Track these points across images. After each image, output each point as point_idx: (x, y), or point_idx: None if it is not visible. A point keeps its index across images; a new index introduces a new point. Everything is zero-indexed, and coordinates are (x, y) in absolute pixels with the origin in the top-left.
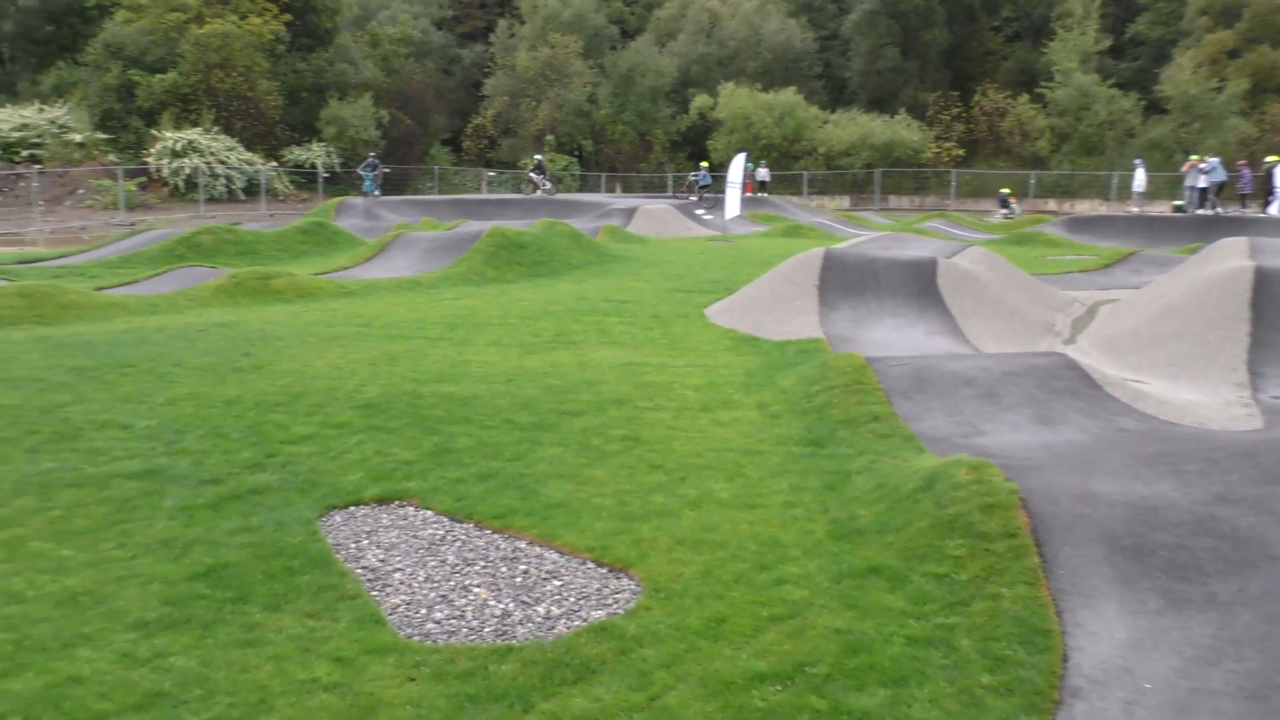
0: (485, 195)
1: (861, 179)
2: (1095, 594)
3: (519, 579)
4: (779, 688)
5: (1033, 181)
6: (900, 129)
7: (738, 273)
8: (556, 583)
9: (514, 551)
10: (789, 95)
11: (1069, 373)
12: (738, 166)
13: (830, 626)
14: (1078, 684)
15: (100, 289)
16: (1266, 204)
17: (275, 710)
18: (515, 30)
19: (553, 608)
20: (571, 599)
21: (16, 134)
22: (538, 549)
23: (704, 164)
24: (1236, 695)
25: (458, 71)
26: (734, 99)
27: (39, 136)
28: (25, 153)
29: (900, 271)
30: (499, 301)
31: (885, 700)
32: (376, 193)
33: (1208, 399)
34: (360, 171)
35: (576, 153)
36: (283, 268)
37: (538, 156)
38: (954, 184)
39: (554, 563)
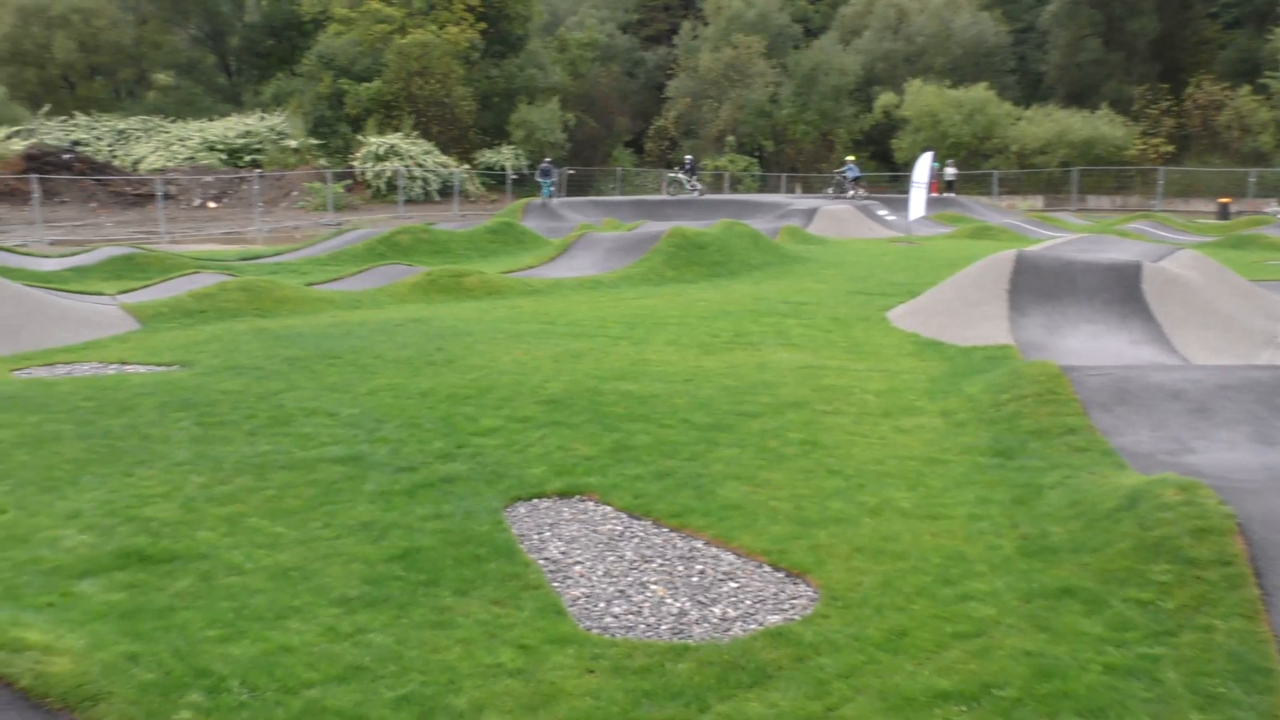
0: (666, 196)
1: (1057, 178)
2: None
3: (695, 578)
4: (963, 708)
5: (1253, 180)
6: (1101, 124)
7: (922, 275)
8: (733, 584)
9: (690, 551)
10: (980, 91)
11: None
12: (923, 166)
13: (1019, 648)
14: None
15: (310, 284)
16: None
17: (463, 691)
18: (698, 32)
19: (729, 609)
20: (748, 602)
21: (241, 140)
22: (714, 549)
23: (850, 157)
24: None
25: (641, 74)
26: (921, 96)
27: (260, 143)
28: (248, 158)
29: (1100, 275)
30: (678, 301)
31: None
32: (552, 198)
33: None
34: (537, 179)
35: (757, 153)
36: (473, 266)
37: (687, 156)
38: (1161, 183)
39: (730, 564)
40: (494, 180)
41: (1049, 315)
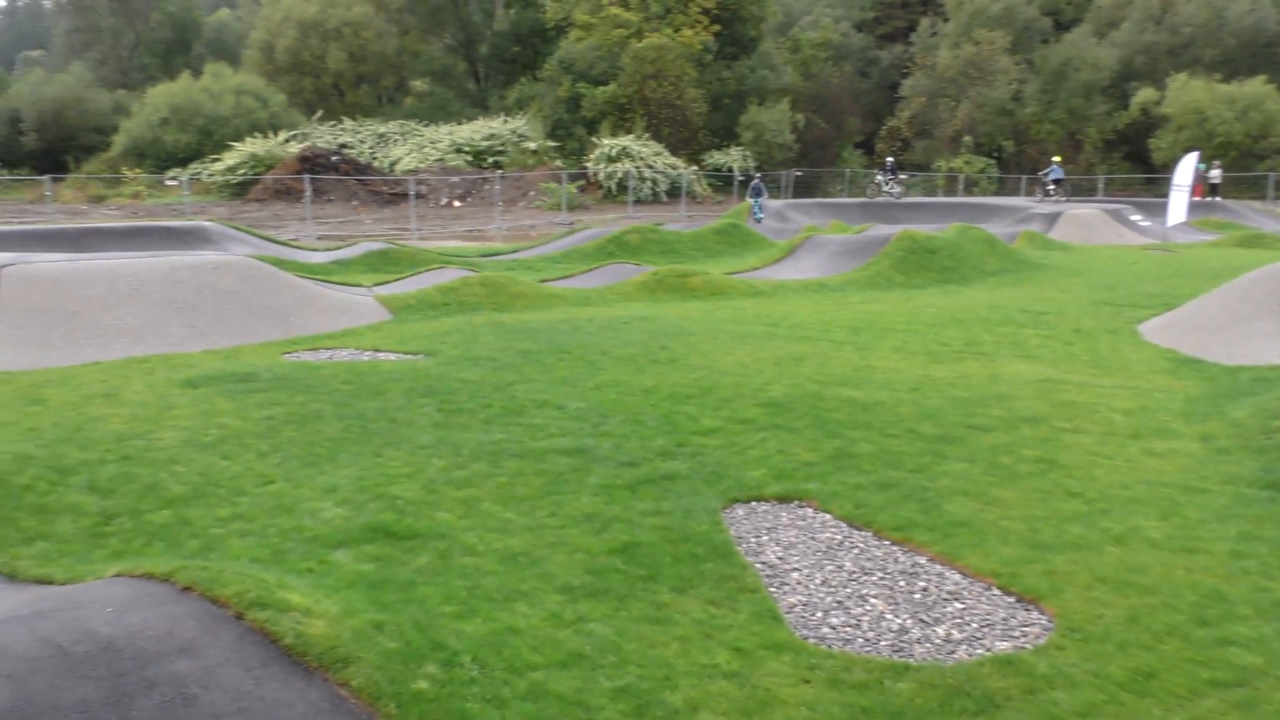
0: (895, 199)
1: None
2: None
3: (918, 595)
4: None
5: None
6: None
7: (1179, 286)
8: (958, 605)
9: (913, 566)
10: (1257, 86)
11: None
12: (1186, 167)
13: None
14: None
15: (544, 281)
16: None
17: (679, 689)
18: (937, 28)
19: (953, 631)
20: (974, 625)
21: (485, 143)
22: (939, 567)
23: (1056, 159)
24: None
25: (874, 73)
26: (1186, 92)
27: (502, 145)
28: (491, 159)
29: None
30: (905, 307)
31: None
32: (761, 221)
33: None
34: (748, 198)
35: (995, 154)
36: (699, 266)
37: (888, 158)
38: None
39: (956, 583)
40: (721, 181)
41: None
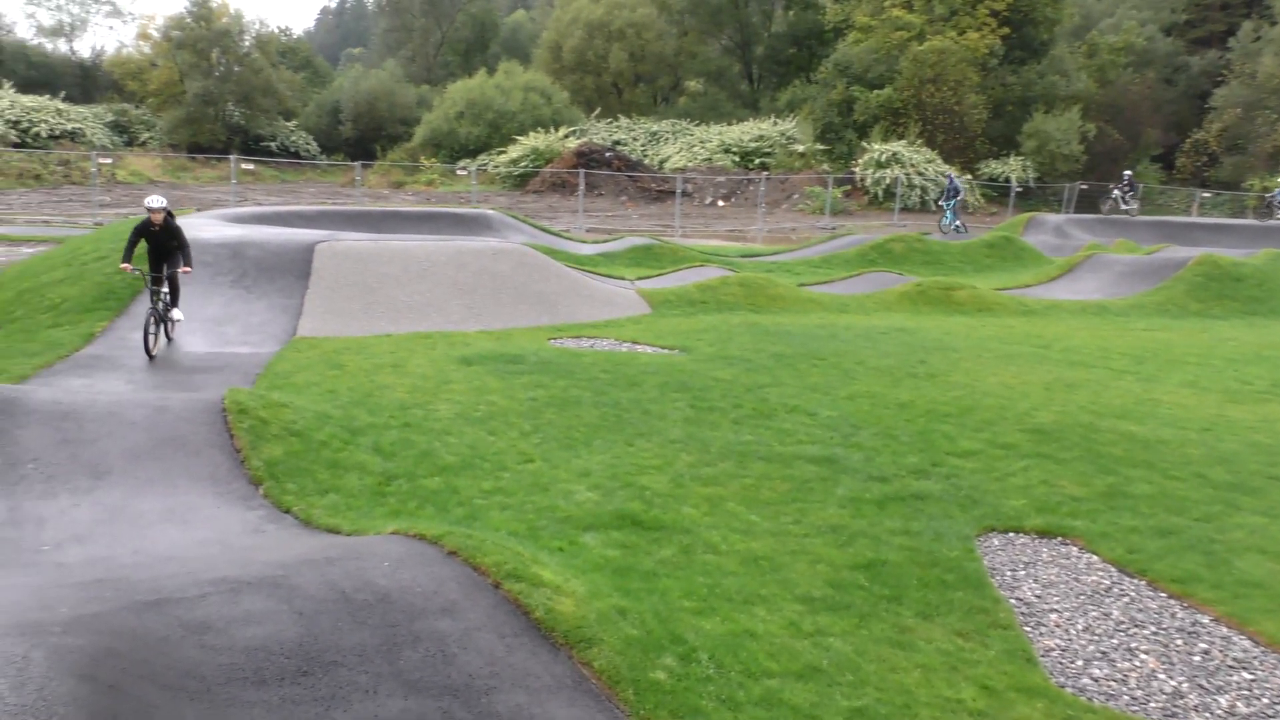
0: (1194, 219)
1: None
2: None
3: (1197, 658)
4: None
5: None
6: None
7: None
8: (1246, 675)
9: (1193, 625)
10: None
11: None
12: None
13: None
14: None
15: (802, 285)
16: None
17: (918, 718)
18: (1261, 32)
19: (1238, 703)
20: (1264, 699)
21: (753, 144)
22: (1224, 630)
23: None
24: None
25: (1181, 81)
26: None
27: (770, 147)
28: (757, 161)
29: None
30: (1200, 339)
31: None
32: (957, 224)
33: None
34: (941, 203)
35: None
36: (965, 280)
37: (1126, 172)
38: None
39: (1244, 650)
40: (996, 192)
41: None
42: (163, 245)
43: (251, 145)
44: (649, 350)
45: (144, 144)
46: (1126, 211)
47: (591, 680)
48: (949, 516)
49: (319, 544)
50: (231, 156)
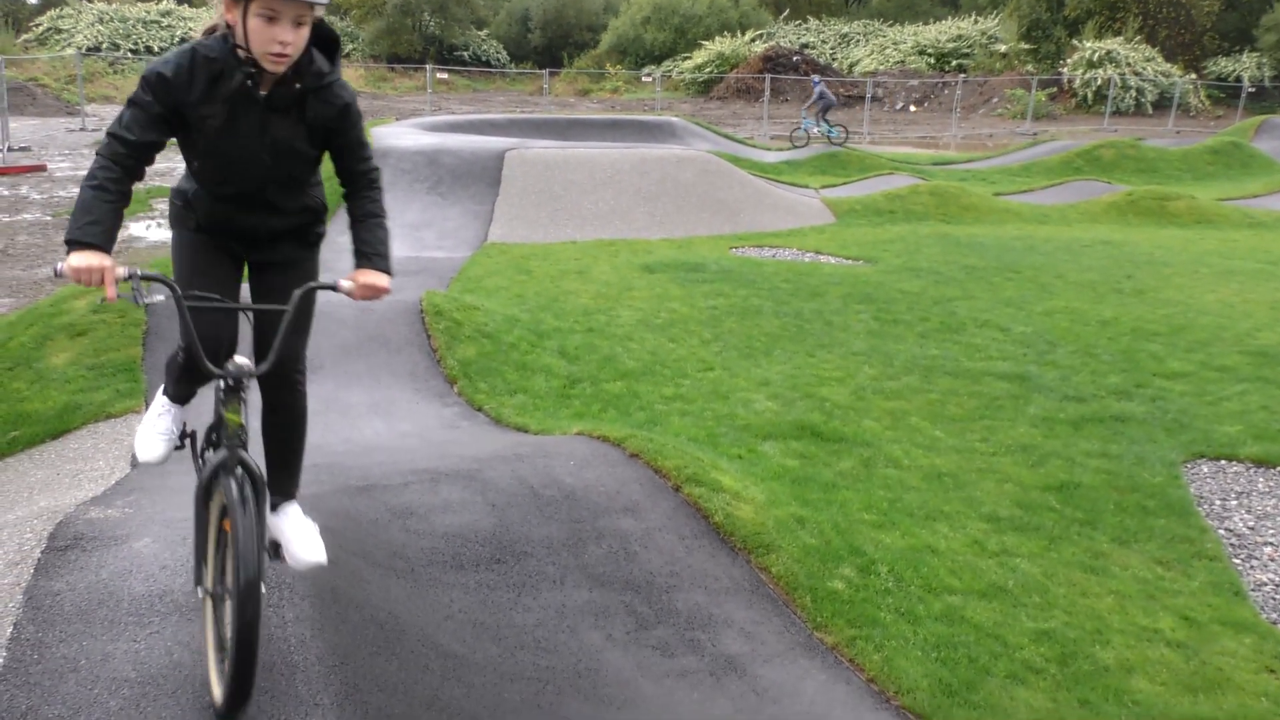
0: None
1: None
2: None
3: None
4: None
5: None
6: None
7: None
8: None
9: None
10: None
11: None
12: None
13: None
14: None
15: (998, 194)
16: None
17: (1112, 646)
18: None
19: None
20: None
21: (951, 44)
22: None
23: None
24: None
25: None
26: None
27: (969, 47)
28: (955, 62)
29: None
30: None
31: None
32: (830, 131)
33: None
34: (804, 112)
35: None
36: (1183, 189)
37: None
38: None
39: None
40: (1225, 94)
41: None
42: None
43: (446, 55)
44: (833, 260)
45: (348, 55)
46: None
47: (769, 585)
48: (1153, 441)
49: (509, 441)
50: (427, 66)
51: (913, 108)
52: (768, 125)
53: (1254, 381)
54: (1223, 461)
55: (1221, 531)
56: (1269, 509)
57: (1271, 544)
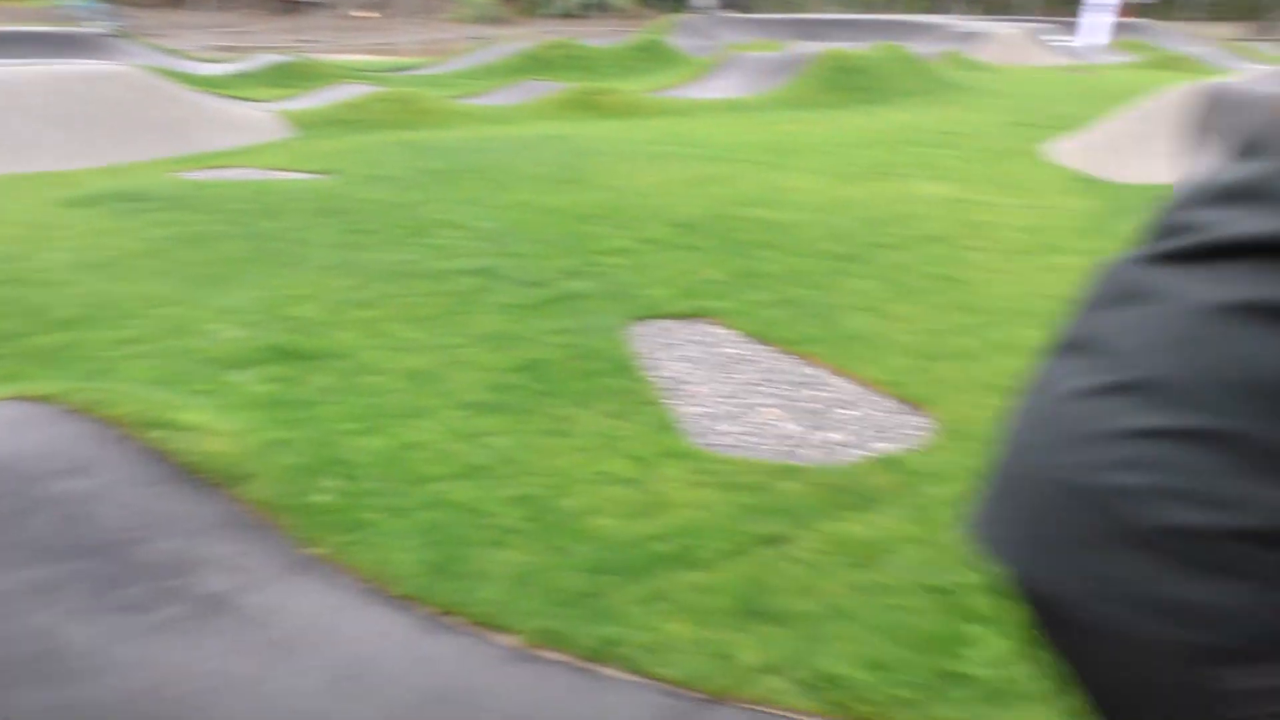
0: (827, 15)
1: (1267, 3)
2: None
3: (810, 404)
4: None
5: None
6: None
7: (1090, 107)
8: (847, 412)
9: (808, 377)
10: None
11: None
12: None
13: None
14: None
15: (455, 98)
16: None
17: (574, 495)
18: None
19: (840, 434)
20: (860, 429)
21: None
22: (832, 377)
23: None
24: None
25: None
26: None
27: None
28: None
29: None
30: (825, 128)
31: None
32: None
33: None
34: None
35: None
36: (618, 84)
37: None
38: None
39: (847, 392)
40: None
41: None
42: None
43: None
44: (294, 176)
45: None
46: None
47: (251, 514)
48: (601, 312)
49: None
50: None
51: (363, 13)
52: (203, 35)
53: (678, 249)
54: (658, 320)
55: (657, 378)
56: (694, 355)
57: (692, 382)
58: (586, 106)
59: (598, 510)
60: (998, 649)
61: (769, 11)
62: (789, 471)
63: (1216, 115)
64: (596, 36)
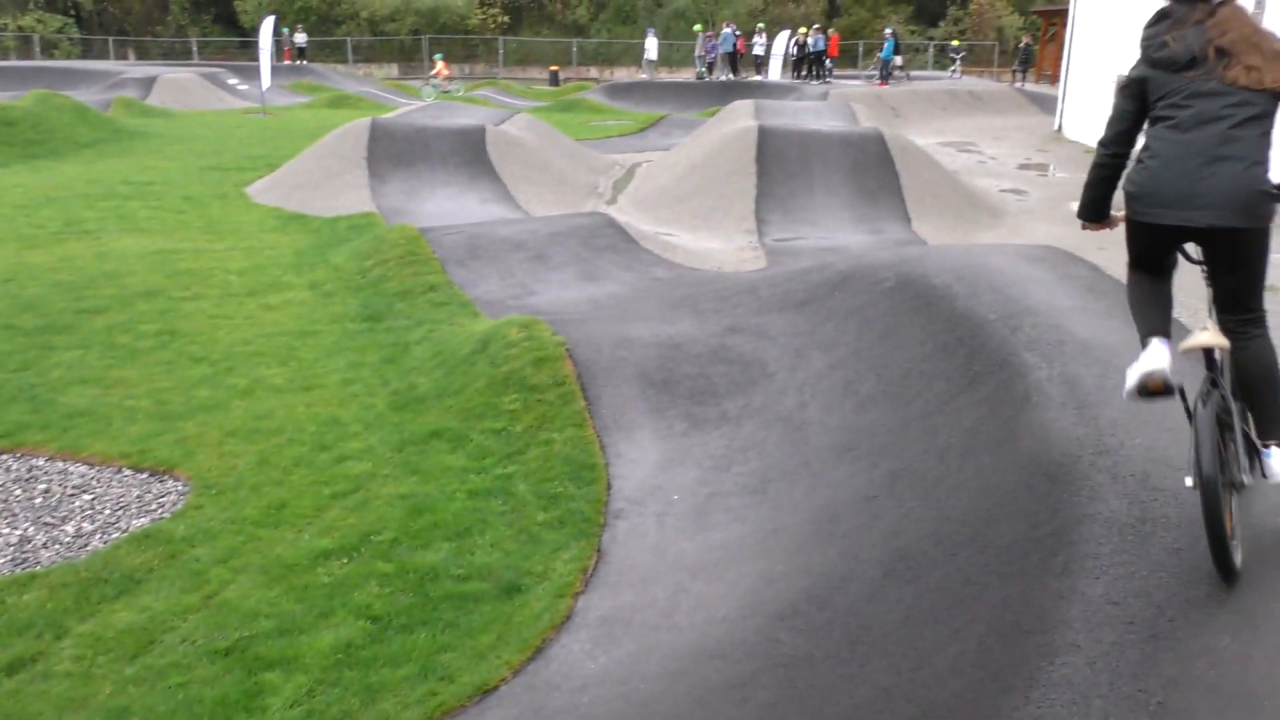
0: None
1: (410, 46)
2: (633, 426)
3: (38, 500)
4: (344, 560)
5: (575, 50)
6: None
7: (280, 147)
8: (87, 497)
9: (29, 471)
10: None
11: (609, 231)
12: (266, 32)
13: (394, 494)
14: (620, 507)
15: None
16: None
17: None
18: None
19: (84, 524)
20: (106, 511)
21: None
22: (60, 464)
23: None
24: (742, 492)
25: None
26: None
27: None
28: None
29: (450, 140)
30: None
31: (450, 552)
32: None
33: (724, 245)
34: None
35: (73, 12)
36: None
37: None
38: (502, 51)
39: (82, 476)
40: None
41: (407, 181)
42: None
43: None
44: None
45: None
46: None
47: None
48: None
49: None
50: None
51: None
52: None
53: None
54: None
55: None
56: None
57: None
58: None
59: None
60: (296, 686)
61: None
62: (25, 581)
63: (377, 143)
64: None
